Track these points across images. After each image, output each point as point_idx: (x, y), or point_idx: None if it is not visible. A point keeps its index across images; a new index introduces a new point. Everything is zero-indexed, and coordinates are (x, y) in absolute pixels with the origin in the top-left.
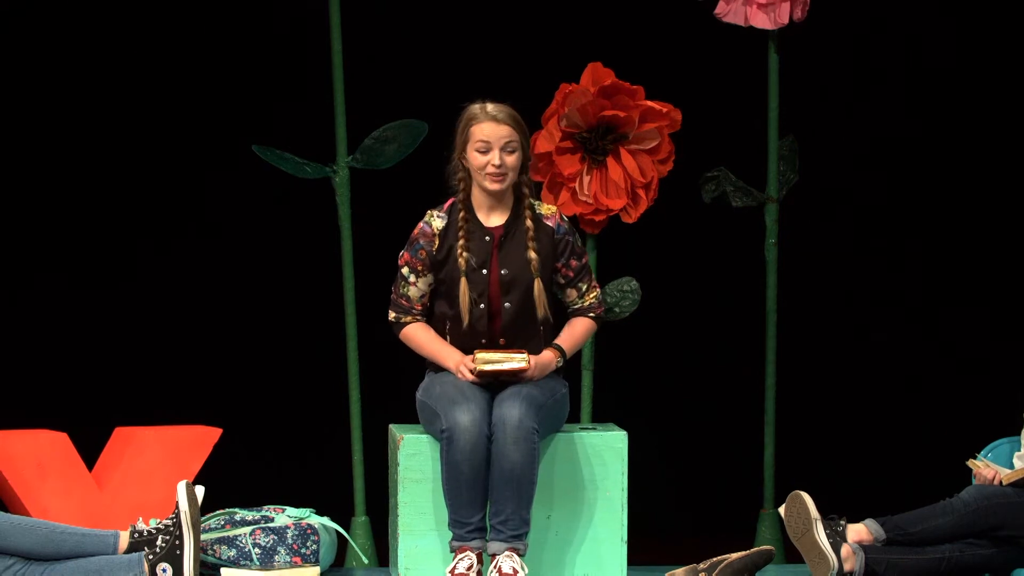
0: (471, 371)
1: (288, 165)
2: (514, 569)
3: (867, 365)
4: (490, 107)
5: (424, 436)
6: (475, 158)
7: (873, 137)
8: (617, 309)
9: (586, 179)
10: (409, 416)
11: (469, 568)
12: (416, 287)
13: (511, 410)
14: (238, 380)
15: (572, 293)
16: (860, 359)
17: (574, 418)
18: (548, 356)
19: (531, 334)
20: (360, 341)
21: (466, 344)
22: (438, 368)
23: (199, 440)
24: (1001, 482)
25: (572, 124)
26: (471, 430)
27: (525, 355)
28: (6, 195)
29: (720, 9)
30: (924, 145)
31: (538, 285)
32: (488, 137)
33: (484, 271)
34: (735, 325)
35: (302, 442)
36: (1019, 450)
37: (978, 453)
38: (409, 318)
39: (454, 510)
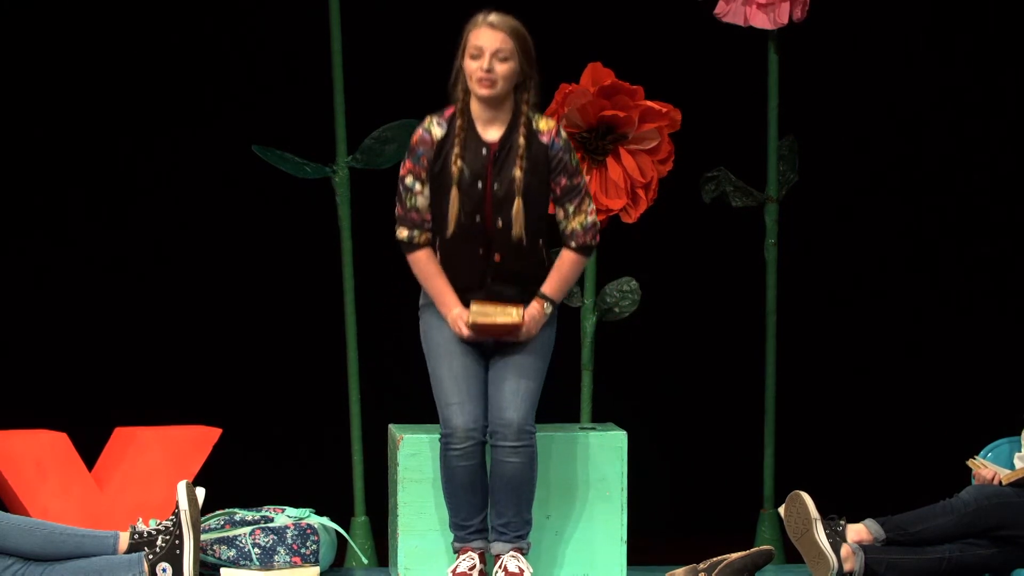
0: (467, 325)
1: (288, 165)
2: (520, 568)
3: (867, 365)
4: (491, 16)
5: (424, 436)
6: (468, 64)
7: (873, 137)
8: (617, 309)
9: (586, 179)
10: (409, 416)
11: (472, 568)
12: (423, 196)
13: (510, 412)
14: (238, 380)
15: (559, 213)
16: (860, 359)
17: (574, 418)
18: (535, 309)
19: (527, 248)
20: (360, 341)
21: (462, 263)
22: (427, 299)
23: (199, 440)
24: (1001, 482)
25: (572, 124)
26: (469, 435)
27: (520, 309)
28: (7, 194)
29: (720, 9)
30: (924, 145)
31: (518, 204)
32: (481, 43)
33: (479, 184)
34: (735, 325)
35: (302, 442)
36: (1019, 450)
37: (978, 453)
38: (422, 236)
39: (454, 513)
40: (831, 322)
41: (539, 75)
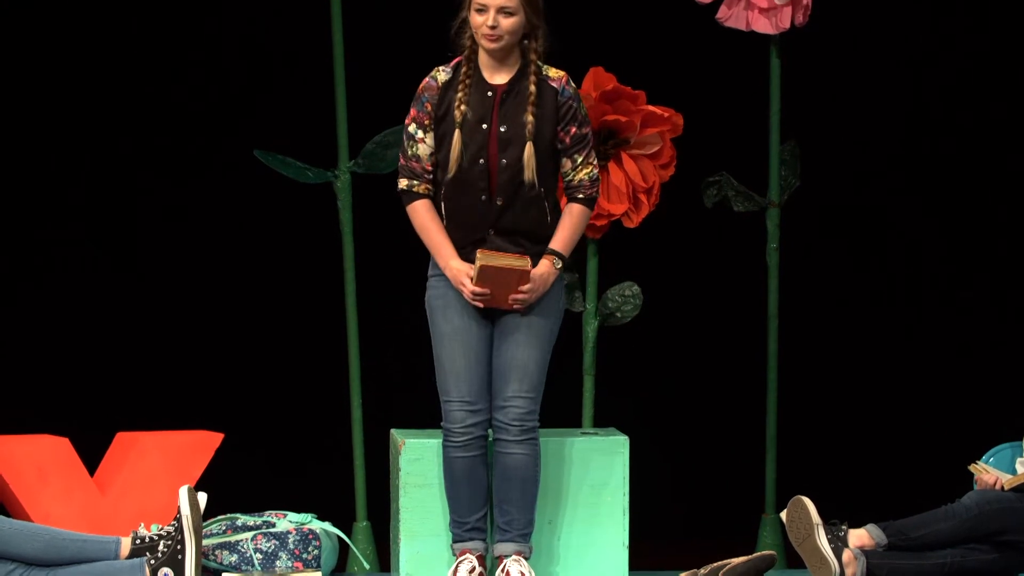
0: (474, 273)
1: (290, 170)
2: (522, 573)
3: (869, 370)
4: None
5: (426, 441)
6: (474, 18)
7: (875, 141)
8: (619, 314)
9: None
10: (410, 421)
11: (471, 572)
12: (425, 144)
13: (514, 404)
14: (239, 384)
15: (567, 163)
16: (862, 364)
17: (576, 422)
18: (546, 266)
19: (532, 200)
20: (361, 345)
21: (463, 209)
22: (435, 270)
23: (201, 445)
24: (1003, 487)
25: None
26: (467, 430)
27: (528, 260)
28: (9, 200)
29: (722, 13)
30: (926, 149)
31: (529, 149)
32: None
33: (484, 126)
34: (737, 330)
35: (304, 447)
36: (1021, 455)
37: (980, 458)
38: (421, 186)
39: (453, 508)
40: (833, 327)
41: (546, 24)
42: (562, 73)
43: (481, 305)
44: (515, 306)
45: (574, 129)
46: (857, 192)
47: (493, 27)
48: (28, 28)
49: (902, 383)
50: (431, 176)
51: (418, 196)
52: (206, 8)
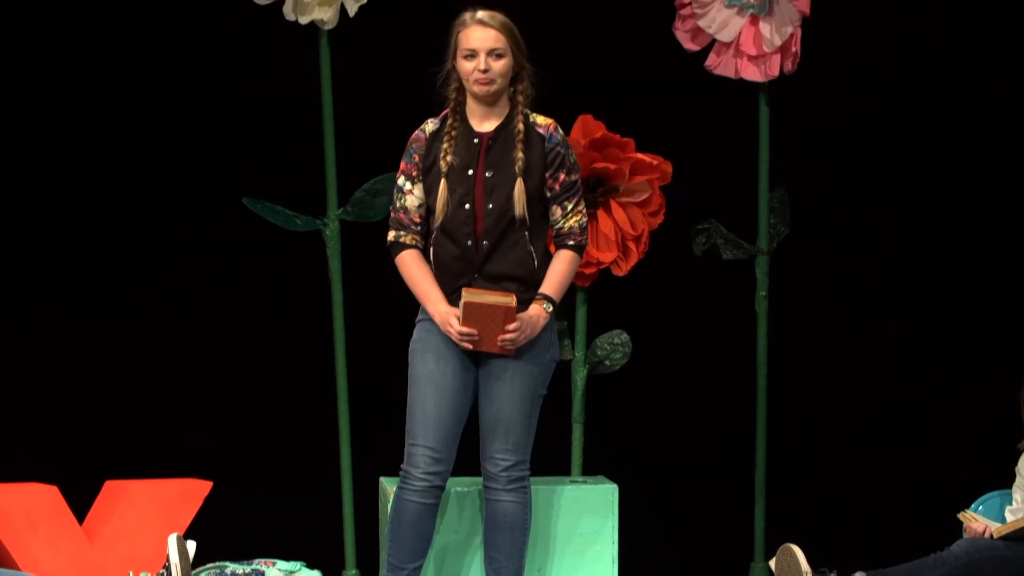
0: (460, 312)
1: (279, 218)
2: None
3: (857, 417)
4: (479, 13)
5: None
6: (463, 65)
7: (863, 189)
8: (608, 362)
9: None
10: (399, 469)
11: None
12: (413, 195)
13: (500, 457)
14: (228, 432)
15: (557, 211)
16: (851, 411)
17: (565, 470)
18: (535, 310)
19: (517, 243)
20: (350, 393)
21: (450, 255)
22: (421, 316)
23: (189, 493)
24: (992, 535)
25: None
26: (425, 478)
27: (513, 297)
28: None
29: (711, 61)
30: (916, 196)
31: (519, 185)
32: (474, 44)
33: (470, 171)
34: (726, 378)
35: (293, 495)
36: (1010, 503)
37: (969, 506)
38: (408, 236)
39: (394, 552)
40: (822, 374)
41: (531, 65)
42: (550, 120)
43: (470, 347)
44: (505, 347)
45: (563, 176)
46: (846, 240)
47: (485, 71)
48: (28, 79)
49: (891, 430)
50: (419, 227)
51: (405, 247)
52: (196, 55)
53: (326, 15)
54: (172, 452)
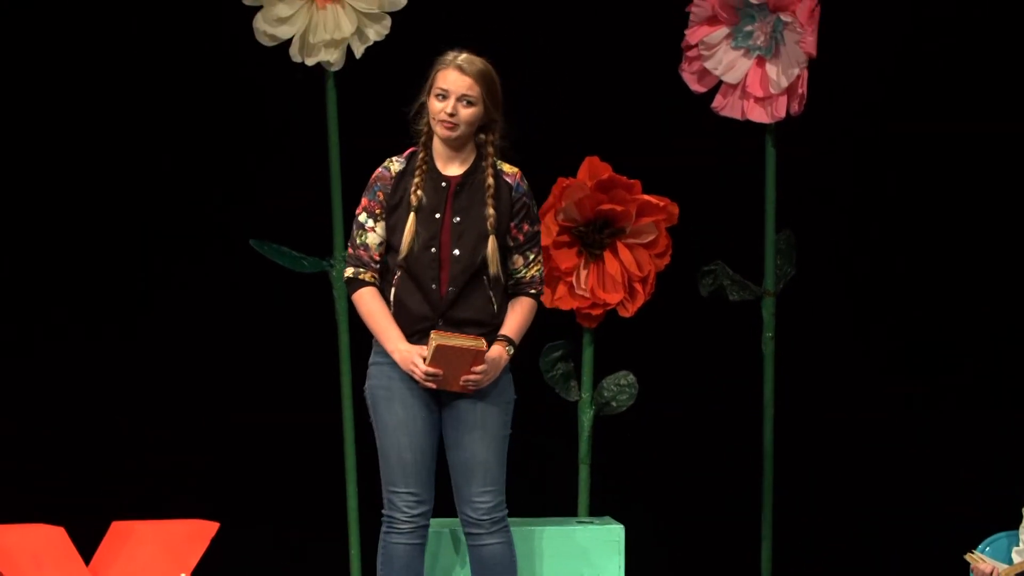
0: (428, 353)
1: (285, 259)
2: None
3: (864, 457)
4: (461, 57)
5: None
6: (432, 103)
7: (870, 231)
8: (614, 403)
9: (583, 273)
10: None
11: None
12: (375, 232)
13: (483, 499)
14: (235, 473)
15: (519, 260)
16: (857, 451)
17: (571, 511)
18: (498, 351)
19: (478, 289)
20: (357, 433)
21: (412, 298)
22: (376, 359)
23: (196, 534)
24: None
25: (569, 218)
26: (412, 519)
27: (483, 341)
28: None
29: (717, 102)
30: (922, 240)
31: (492, 242)
32: (448, 86)
33: (437, 215)
34: (732, 419)
35: (300, 535)
36: (1017, 544)
37: (975, 547)
38: (367, 273)
39: None
40: (828, 415)
41: (504, 118)
42: (516, 169)
43: (433, 387)
44: (468, 387)
45: (527, 227)
46: (852, 281)
47: (452, 115)
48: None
49: (898, 471)
50: (377, 265)
51: (364, 284)
52: (203, 96)
53: (332, 56)
54: (179, 494)
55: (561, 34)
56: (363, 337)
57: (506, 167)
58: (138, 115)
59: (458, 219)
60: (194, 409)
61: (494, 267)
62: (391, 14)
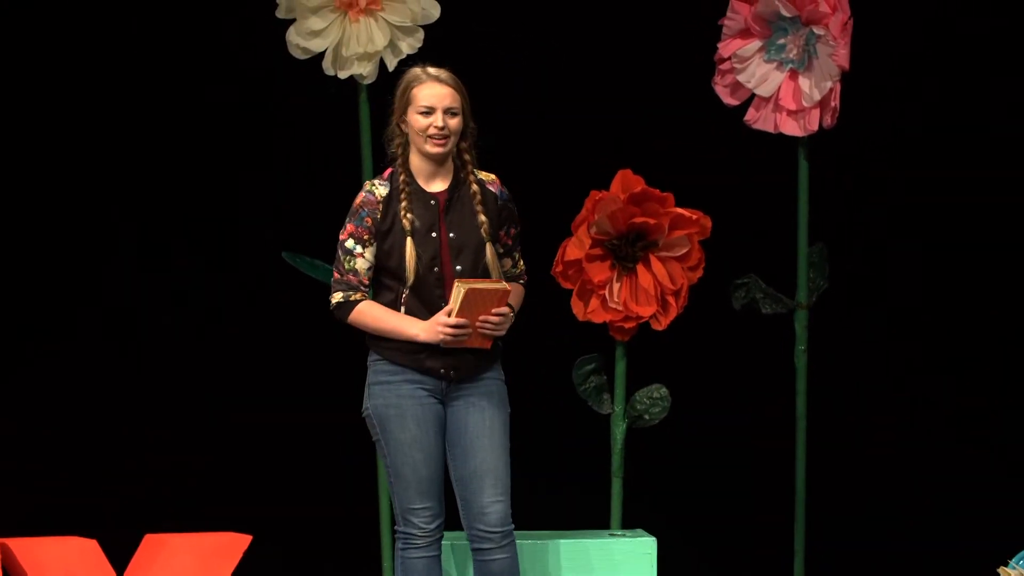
0: (454, 305)
1: (318, 272)
2: None
3: (897, 471)
4: (433, 70)
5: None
6: (416, 121)
7: (903, 243)
8: (647, 416)
9: (616, 286)
10: None
11: None
12: (364, 258)
13: (493, 509)
14: (268, 487)
15: (508, 262)
16: (890, 465)
17: (604, 524)
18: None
19: None
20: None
21: (423, 315)
22: (379, 378)
23: (229, 547)
24: None
25: (602, 231)
26: (430, 534)
27: (504, 283)
28: (32, 294)
29: (750, 116)
30: (955, 252)
31: (490, 250)
32: (431, 100)
33: (433, 234)
34: (765, 432)
35: (333, 549)
36: None
37: (1009, 561)
38: (358, 295)
39: None
40: (861, 428)
41: (474, 121)
42: (494, 176)
43: (455, 345)
44: (485, 336)
45: (513, 230)
46: (885, 295)
47: (441, 128)
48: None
49: (931, 485)
50: (367, 288)
51: (356, 303)
52: (236, 110)
53: (365, 69)
54: (211, 506)
55: (594, 47)
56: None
57: (483, 175)
58: (171, 125)
59: (453, 235)
60: (226, 423)
61: (495, 273)
62: (424, 27)
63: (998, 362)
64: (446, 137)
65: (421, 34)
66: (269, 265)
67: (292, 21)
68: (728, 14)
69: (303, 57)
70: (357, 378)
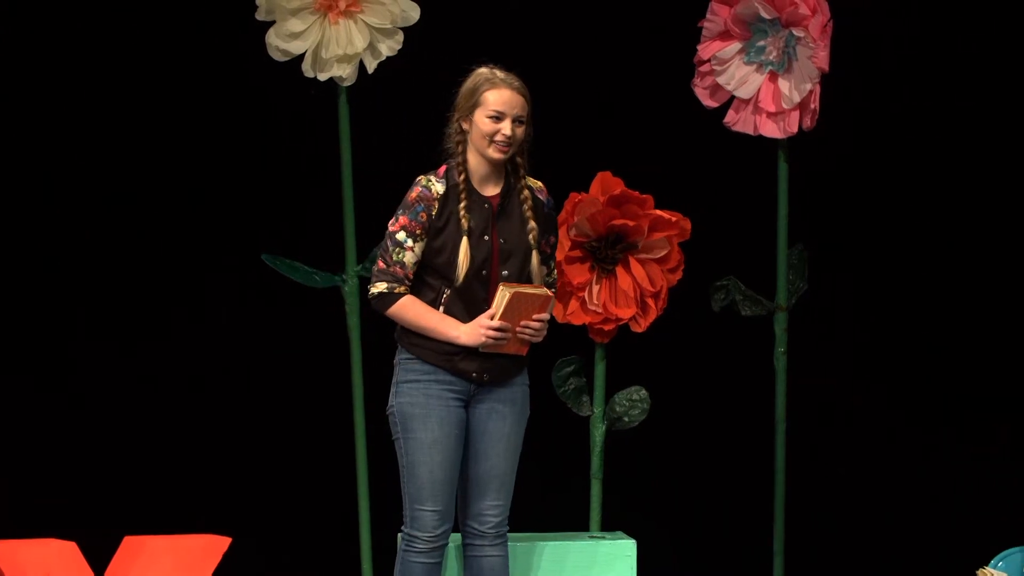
0: (498, 309)
1: (298, 274)
2: None
3: (876, 473)
4: (502, 73)
5: None
6: (484, 124)
7: (882, 245)
8: (626, 418)
9: (595, 288)
10: None
11: None
12: (413, 252)
13: (491, 513)
14: (247, 488)
15: (544, 269)
16: (869, 467)
17: (583, 527)
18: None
19: None
20: (369, 449)
21: (462, 316)
22: (409, 376)
23: (208, 549)
24: None
25: (581, 233)
26: (436, 538)
27: (545, 288)
28: (17, 307)
29: (730, 118)
30: (935, 254)
31: (536, 257)
32: (502, 105)
33: (486, 238)
34: (744, 434)
35: (311, 552)
36: None
37: (988, 563)
38: (402, 288)
39: None
40: (840, 431)
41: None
42: (541, 184)
43: (495, 350)
44: (523, 342)
45: (553, 239)
46: (864, 296)
47: (509, 136)
48: (36, 126)
49: (910, 486)
50: (411, 283)
51: (400, 296)
52: (215, 111)
53: (345, 72)
54: (190, 507)
55: (573, 49)
56: (375, 353)
57: (531, 181)
58: (152, 129)
59: (503, 240)
60: (203, 426)
61: (538, 280)
62: (404, 29)
63: (980, 363)
64: (510, 145)
65: (401, 36)
66: (249, 267)
67: (272, 23)
68: (708, 16)
69: (283, 59)
70: (338, 379)
